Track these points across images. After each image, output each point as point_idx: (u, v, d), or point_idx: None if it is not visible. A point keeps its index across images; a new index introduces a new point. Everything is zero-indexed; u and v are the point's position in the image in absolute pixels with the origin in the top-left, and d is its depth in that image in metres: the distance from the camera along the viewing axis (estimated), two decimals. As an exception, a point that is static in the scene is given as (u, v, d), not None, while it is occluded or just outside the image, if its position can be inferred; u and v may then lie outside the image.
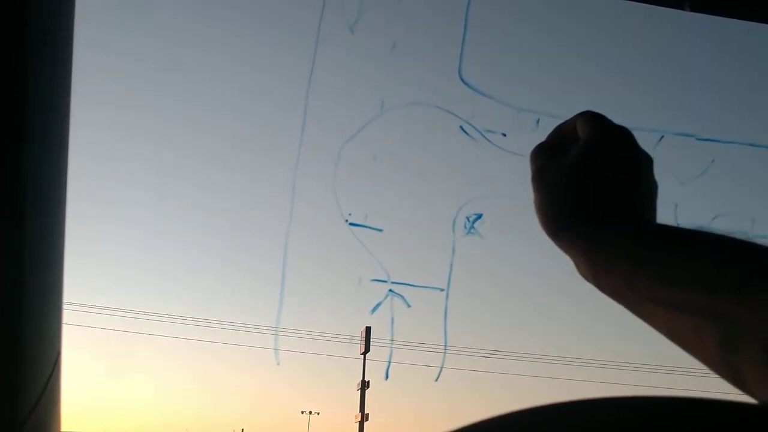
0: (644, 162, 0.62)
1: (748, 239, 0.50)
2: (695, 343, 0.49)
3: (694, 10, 1.03)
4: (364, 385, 24.54)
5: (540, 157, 0.64)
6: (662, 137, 0.89)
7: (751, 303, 0.45)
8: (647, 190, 0.61)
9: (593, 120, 0.63)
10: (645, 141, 0.92)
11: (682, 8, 1.04)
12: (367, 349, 24.55)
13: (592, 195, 0.59)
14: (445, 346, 0.91)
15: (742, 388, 0.47)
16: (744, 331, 0.45)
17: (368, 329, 24.03)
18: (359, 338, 24.91)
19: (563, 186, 0.60)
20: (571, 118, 0.66)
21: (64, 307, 0.62)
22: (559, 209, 0.60)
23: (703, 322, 0.47)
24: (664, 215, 0.91)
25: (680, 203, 0.88)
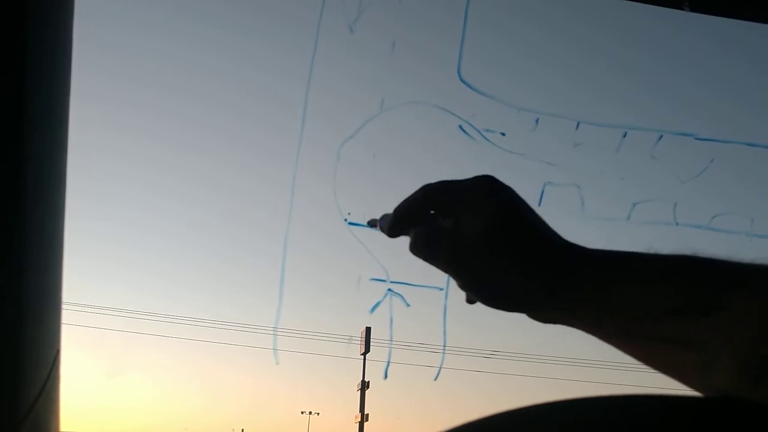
0: (511, 195, 0.58)
1: (695, 255, 0.49)
2: (672, 369, 0.50)
3: (693, 10, 1.03)
4: (364, 386, 24.54)
5: (432, 249, 0.60)
6: (661, 137, 0.89)
7: (718, 325, 0.45)
8: (530, 215, 0.58)
9: (449, 187, 0.59)
10: (644, 140, 0.92)
11: (681, 8, 1.04)
12: (367, 350, 24.54)
13: (510, 278, 0.56)
14: (444, 345, 0.91)
15: None
16: (716, 353, 0.45)
17: (368, 329, 24.02)
18: (359, 338, 24.91)
19: (485, 267, 0.56)
20: (410, 201, 0.62)
21: (63, 306, 0.62)
22: (496, 290, 0.57)
23: (675, 349, 0.48)
24: (664, 215, 0.91)
25: (679, 203, 0.88)
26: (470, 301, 0.64)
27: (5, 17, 0.51)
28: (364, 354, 24.61)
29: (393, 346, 1.05)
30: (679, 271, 0.50)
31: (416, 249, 0.61)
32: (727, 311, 0.45)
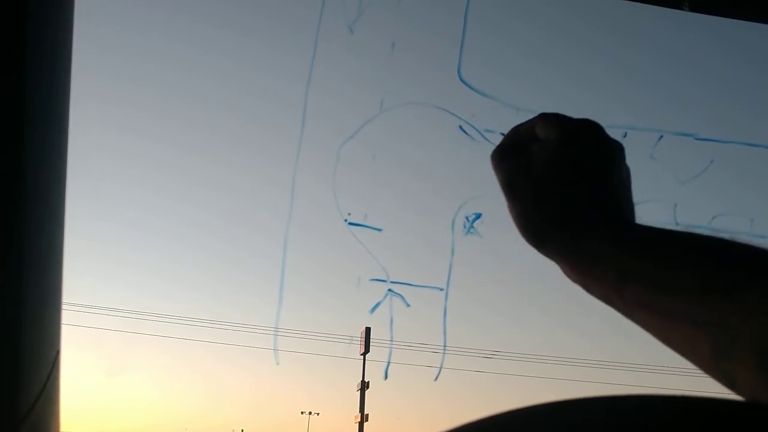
0: (616, 152, 0.60)
1: (734, 240, 0.50)
2: (689, 349, 0.49)
3: (693, 9, 1.03)
4: (364, 386, 24.54)
5: (504, 161, 0.62)
6: (661, 137, 0.89)
7: (741, 308, 0.45)
8: (621, 180, 0.60)
9: (556, 122, 0.61)
10: (644, 140, 0.92)
11: (681, 8, 1.04)
12: (366, 350, 24.54)
13: (570, 201, 0.57)
14: (444, 345, 0.91)
15: (738, 393, 0.46)
16: (736, 336, 0.45)
17: (368, 330, 24.03)
18: (359, 338, 24.91)
19: (539, 194, 0.58)
20: (530, 120, 0.64)
21: (63, 306, 0.62)
22: (539, 219, 0.58)
23: (694, 328, 0.47)
24: (664, 215, 0.91)
25: (679, 203, 0.88)
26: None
27: (5, 17, 0.51)
28: (364, 354, 24.61)
29: (393, 346, 1.05)
30: (707, 251, 0.50)
31: (492, 154, 0.63)
32: (751, 296, 0.45)
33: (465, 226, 0.84)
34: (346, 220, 0.84)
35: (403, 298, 0.86)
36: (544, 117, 0.62)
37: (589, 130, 0.60)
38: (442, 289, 0.87)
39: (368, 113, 0.82)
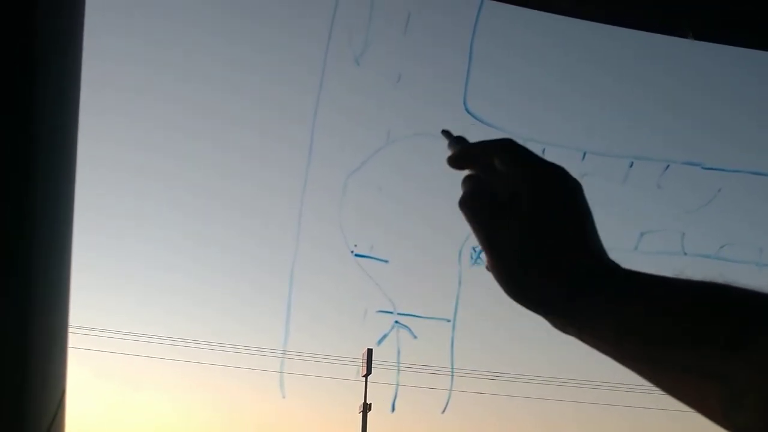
0: (580, 192, 0.57)
1: (730, 285, 0.48)
2: (697, 400, 0.48)
3: (697, 38, 1.04)
4: (366, 408, 24.34)
5: (477, 212, 0.58)
6: (668, 166, 0.89)
7: (748, 363, 0.44)
8: (588, 219, 0.57)
9: (523, 159, 0.58)
10: (651, 170, 0.92)
11: (685, 37, 1.04)
12: (368, 372, 24.39)
13: (559, 256, 0.54)
14: (452, 377, 0.91)
15: None
16: (744, 388, 0.44)
17: (370, 351, 23.90)
18: (362, 362, 24.75)
19: (524, 253, 0.55)
20: (483, 144, 0.60)
21: (77, 330, 0.61)
22: (528, 278, 0.55)
23: (702, 380, 0.46)
24: (671, 245, 0.90)
25: (687, 233, 0.88)
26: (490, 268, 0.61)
27: (15, 19, 0.51)
28: (366, 376, 24.45)
29: (400, 373, 1.04)
30: (710, 300, 0.48)
31: (462, 201, 0.59)
32: (757, 347, 0.44)
33: (472, 257, 0.84)
34: (352, 252, 0.83)
35: (410, 329, 0.86)
36: (506, 148, 0.58)
37: (556, 172, 0.57)
38: (449, 321, 0.86)
39: (375, 144, 0.82)
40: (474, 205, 0.58)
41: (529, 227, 0.55)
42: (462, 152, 0.62)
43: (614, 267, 0.54)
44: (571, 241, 0.55)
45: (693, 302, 0.49)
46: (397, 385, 0.98)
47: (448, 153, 0.64)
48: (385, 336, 0.86)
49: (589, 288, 0.53)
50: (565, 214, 0.55)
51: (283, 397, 0.90)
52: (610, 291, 0.52)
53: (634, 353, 0.51)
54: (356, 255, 0.84)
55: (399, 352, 0.88)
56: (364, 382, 24.71)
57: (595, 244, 0.56)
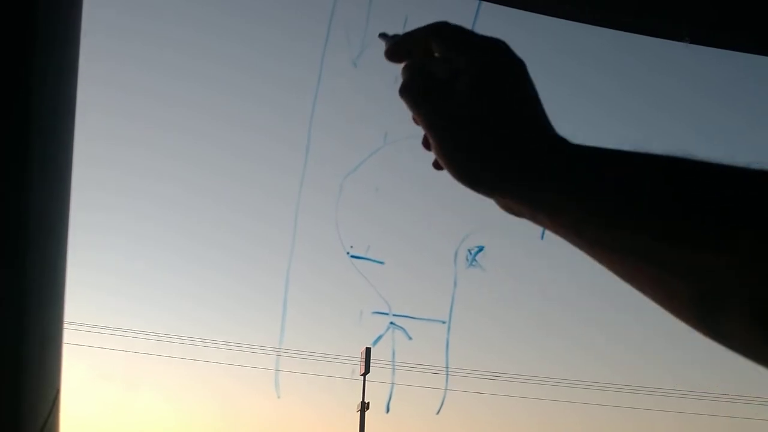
0: (522, 68, 0.54)
1: (711, 162, 0.43)
2: (664, 296, 0.43)
3: (693, 42, 1.04)
4: (364, 407, 24.35)
5: (418, 93, 0.54)
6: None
7: (732, 257, 0.39)
8: (533, 94, 0.53)
9: (460, 37, 0.54)
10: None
11: (681, 41, 1.04)
12: (366, 371, 24.39)
13: (504, 134, 0.50)
14: (447, 378, 0.91)
15: (727, 346, 0.41)
16: (724, 287, 0.39)
17: (368, 350, 23.90)
18: (359, 359, 24.77)
19: (470, 137, 0.51)
20: (416, 31, 0.57)
21: (71, 327, 0.61)
22: (473, 162, 0.51)
23: (672, 275, 0.41)
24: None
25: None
26: (437, 166, 0.57)
27: (13, 19, 0.51)
28: (364, 375, 24.46)
29: (396, 373, 1.04)
30: (681, 182, 0.43)
31: (402, 89, 0.56)
32: (743, 244, 0.38)
33: (467, 259, 0.84)
34: (348, 253, 0.83)
35: (405, 331, 0.86)
36: (442, 31, 0.55)
37: (496, 46, 0.54)
38: (444, 322, 0.87)
39: (372, 146, 0.82)
40: (413, 90, 0.55)
41: (472, 106, 0.51)
42: (396, 43, 0.58)
43: (566, 143, 0.50)
44: (517, 117, 0.51)
45: (662, 182, 0.43)
46: (392, 386, 0.99)
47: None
48: (380, 337, 0.87)
49: (541, 167, 0.48)
50: (509, 90, 0.52)
51: (278, 398, 0.90)
52: (563, 169, 0.48)
53: (593, 239, 0.46)
54: (352, 256, 0.84)
55: (394, 354, 0.89)
56: (362, 381, 24.73)
57: (542, 120, 0.52)
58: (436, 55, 0.56)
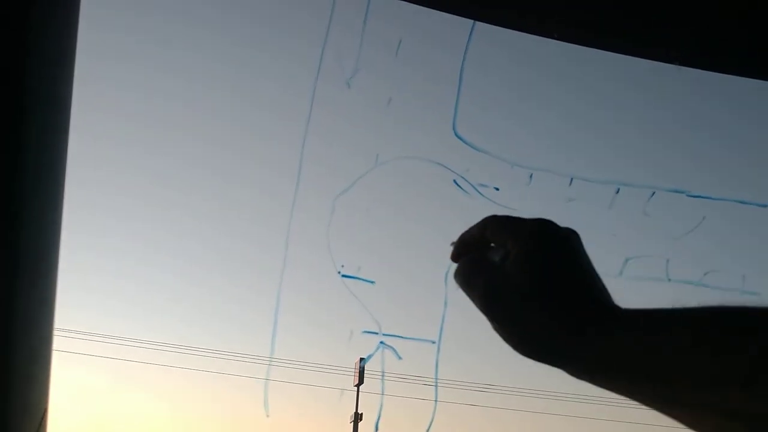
0: (574, 241, 0.58)
1: (726, 307, 0.47)
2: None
3: (683, 64, 1.05)
4: (357, 418, 24.23)
5: (469, 282, 0.59)
6: (654, 193, 0.90)
7: (763, 394, 0.42)
8: (590, 266, 0.57)
9: (508, 223, 0.59)
10: (637, 197, 0.93)
11: (671, 62, 1.06)
12: (360, 381, 24.29)
13: (556, 304, 0.54)
14: (435, 401, 0.91)
15: None
16: (765, 426, 0.43)
17: (362, 360, 23.77)
18: (353, 370, 24.64)
19: (524, 312, 0.55)
20: (474, 228, 0.62)
21: (64, 333, 0.62)
22: (530, 332, 0.55)
23: (719, 417, 0.45)
24: (656, 271, 0.91)
25: (671, 259, 0.89)
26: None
27: (9, 19, 0.52)
28: (358, 386, 24.35)
29: (386, 378, 1.04)
30: (717, 331, 0.46)
31: (456, 275, 0.61)
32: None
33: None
34: (339, 272, 0.84)
35: (395, 350, 0.86)
36: (491, 222, 0.61)
37: (543, 225, 0.58)
38: (434, 342, 0.87)
39: (363, 166, 0.83)
40: (465, 275, 0.60)
41: (521, 283, 0.55)
42: (457, 246, 0.64)
43: (616, 308, 0.53)
44: (564, 289, 0.54)
45: (701, 335, 0.47)
46: (381, 406, 0.99)
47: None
48: (370, 356, 0.87)
49: (593, 333, 0.52)
50: (556, 264, 0.55)
51: (267, 416, 0.90)
52: (615, 334, 0.51)
53: (649, 394, 0.50)
54: (343, 275, 0.84)
55: (383, 374, 0.89)
56: (355, 392, 24.60)
57: (590, 286, 0.55)
58: (492, 245, 0.61)
